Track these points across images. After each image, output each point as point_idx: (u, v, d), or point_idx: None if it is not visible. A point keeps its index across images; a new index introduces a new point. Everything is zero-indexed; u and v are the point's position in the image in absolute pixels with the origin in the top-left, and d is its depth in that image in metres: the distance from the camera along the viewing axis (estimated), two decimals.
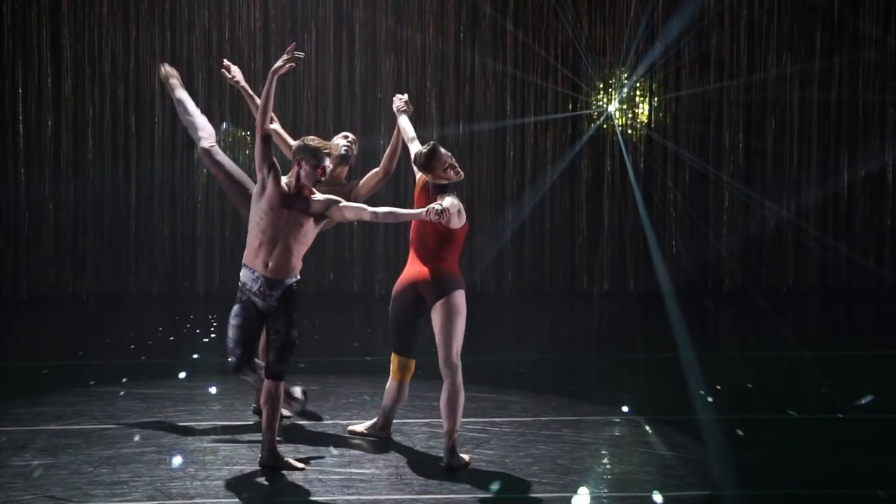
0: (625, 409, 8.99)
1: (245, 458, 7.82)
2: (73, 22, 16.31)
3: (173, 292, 16.49)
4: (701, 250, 17.17)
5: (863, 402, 10.00)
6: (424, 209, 7.58)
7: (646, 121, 17.21)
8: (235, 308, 7.63)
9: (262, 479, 7.38)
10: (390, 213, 7.81)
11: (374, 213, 7.66)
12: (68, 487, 7.15)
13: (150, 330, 13.62)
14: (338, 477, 7.44)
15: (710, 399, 8.99)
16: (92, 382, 10.24)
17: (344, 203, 7.64)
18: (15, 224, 16.35)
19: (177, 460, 7.75)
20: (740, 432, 8.55)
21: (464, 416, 8.94)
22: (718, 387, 9.21)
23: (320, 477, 7.43)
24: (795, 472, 7.66)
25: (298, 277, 7.63)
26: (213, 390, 9.86)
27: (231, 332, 7.64)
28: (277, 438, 7.64)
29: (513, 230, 17.05)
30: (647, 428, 8.73)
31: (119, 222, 16.52)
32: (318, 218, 7.58)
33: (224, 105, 16.65)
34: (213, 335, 12.99)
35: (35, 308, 15.61)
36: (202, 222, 16.70)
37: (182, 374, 10.57)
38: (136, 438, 8.32)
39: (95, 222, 16.49)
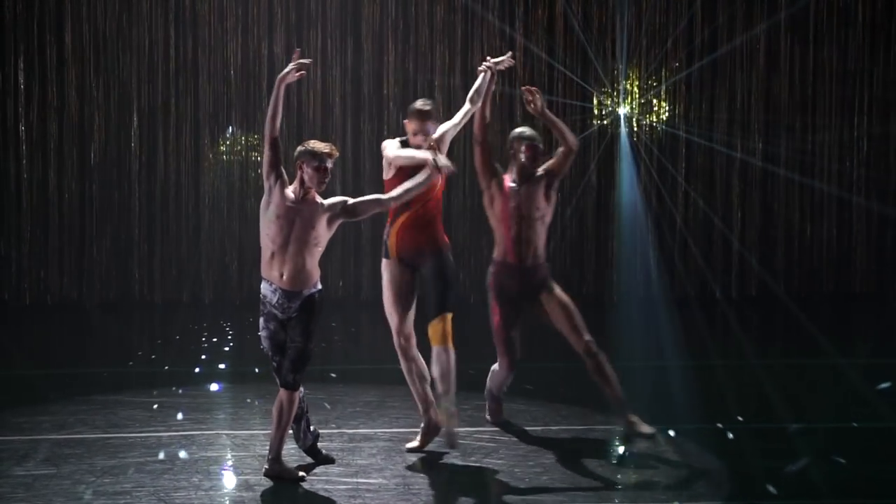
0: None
1: (250, 468, 7.73)
2: (76, 25, 16.25)
3: (178, 299, 16.42)
4: (718, 252, 17.12)
5: (882, 388, 9.96)
6: (430, 158, 7.61)
7: (656, 119, 17.15)
8: (260, 321, 7.57)
9: (267, 489, 7.28)
10: (404, 190, 7.69)
11: (390, 198, 7.60)
12: (70, 497, 7.06)
13: (154, 338, 13.54)
14: (344, 487, 7.34)
15: (729, 435, 8.85)
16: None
17: (354, 200, 7.52)
18: (18, 230, 16.28)
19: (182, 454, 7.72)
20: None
21: (472, 426, 8.87)
22: (740, 418, 9.10)
23: (326, 487, 7.34)
24: (809, 481, 7.54)
25: (319, 287, 7.49)
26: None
27: (264, 345, 7.59)
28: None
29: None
30: (660, 437, 8.62)
31: (123, 228, 16.45)
32: (331, 220, 7.46)
33: (231, 109, 16.59)
34: (231, 344, 12.96)
35: (37, 316, 15.52)
36: (207, 227, 16.62)
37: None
38: (140, 448, 8.22)
39: (100, 228, 16.42)
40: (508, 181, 8.61)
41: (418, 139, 8.10)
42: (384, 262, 8.25)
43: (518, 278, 8.56)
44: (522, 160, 8.56)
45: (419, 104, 8.20)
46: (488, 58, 8.55)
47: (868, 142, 17.33)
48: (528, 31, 16.87)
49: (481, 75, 8.46)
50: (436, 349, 7.99)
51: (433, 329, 7.98)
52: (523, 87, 8.64)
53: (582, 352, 8.50)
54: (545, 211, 8.56)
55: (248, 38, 16.58)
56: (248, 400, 9.86)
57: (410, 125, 8.15)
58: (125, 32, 16.33)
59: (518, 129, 8.74)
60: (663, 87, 17.09)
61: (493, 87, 8.50)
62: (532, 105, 8.54)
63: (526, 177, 8.58)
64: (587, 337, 8.50)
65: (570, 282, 17.08)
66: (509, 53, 8.68)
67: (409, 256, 8.14)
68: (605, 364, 8.46)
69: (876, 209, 17.23)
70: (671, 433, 8.67)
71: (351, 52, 16.76)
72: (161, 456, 7.79)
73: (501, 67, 8.49)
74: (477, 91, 8.41)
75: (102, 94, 16.34)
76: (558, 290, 8.62)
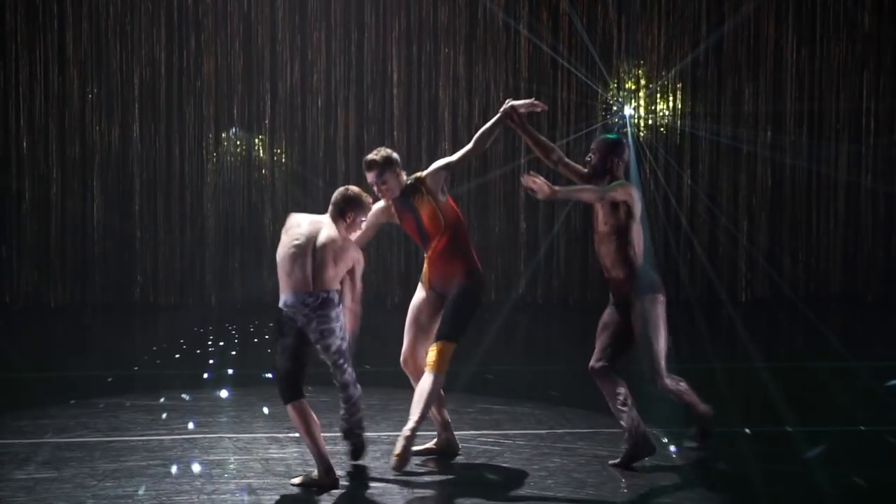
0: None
1: (253, 472, 7.66)
2: (78, 25, 16.22)
3: (182, 302, 16.39)
4: (726, 255, 17.09)
5: (891, 384, 10.07)
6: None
7: (664, 120, 17.13)
8: None
9: (270, 493, 7.22)
10: None
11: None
12: (72, 502, 7.01)
13: (158, 342, 13.50)
14: (349, 490, 7.28)
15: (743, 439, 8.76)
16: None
17: None
18: (18, 233, 16.25)
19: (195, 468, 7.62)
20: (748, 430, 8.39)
21: (477, 429, 8.82)
22: (748, 429, 8.99)
23: (331, 491, 7.27)
24: (816, 485, 7.48)
25: (279, 306, 7.49)
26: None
27: None
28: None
29: (527, 238, 16.92)
30: (665, 441, 8.57)
31: (125, 231, 16.43)
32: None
33: (233, 110, 16.56)
34: (238, 347, 12.94)
35: (38, 318, 15.48)
36: (211, 228, 16.60)
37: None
38: (142, 451, 8.16)
39: (101, 231, 16.39)
40: None
41: (377, 188, 8.02)
42: (419, 285, 8.18)
43: (609, 289, 8.20)
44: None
45: (368, 155, 8.04)
46: (509, 100, 8.20)
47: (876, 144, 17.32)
48: (532, 29, 16.83)
49: (498, 115, 8.14)
50: (425, 373, 7.85)
51: (429, 353, 7.86)
52: (524, 184, 7.89)
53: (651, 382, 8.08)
54: (612, 228, 7.99)
55: (252, 38, 16.55)
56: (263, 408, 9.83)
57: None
58: (127, 32, 16.30)
59: None
60: (669, 86, 17.05)
61: (529, 130, 8.13)
62: (540, 194, 7.85)
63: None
64: (657, 370, 7.93)
65: (572, 286, 17.05)
66: (532, 99, 8.19)
67: (440, 286, 8.03)
68: (682, 393, 8.06)
69: (883, 203, 17.20)
70: (665, 440, 8.62)
71: (354, 52, 16.72)
72: (174, 470, 7.66)
73: (522, 111, 8.11)
74: (485, 133, 8.06)
75: (105, 96, 16.31)
76: (644, 309, 7.96)
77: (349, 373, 7.63)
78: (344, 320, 7.50)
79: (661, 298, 8.02)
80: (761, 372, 11.40)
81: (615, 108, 16.99)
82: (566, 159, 8.17)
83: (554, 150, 8.15)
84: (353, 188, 7.66)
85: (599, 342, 8.07)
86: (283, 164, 16.67)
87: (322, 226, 7.52)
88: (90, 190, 16.36)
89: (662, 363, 7.96)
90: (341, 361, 7.55)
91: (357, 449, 7.90)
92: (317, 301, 7.38)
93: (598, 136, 8.30)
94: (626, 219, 7.98)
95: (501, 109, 8.14)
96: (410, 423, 7.60)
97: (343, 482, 7.44)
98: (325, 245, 7.43)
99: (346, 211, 7.55)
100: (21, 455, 8.02)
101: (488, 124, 8.11)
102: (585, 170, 8.18)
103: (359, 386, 7.73)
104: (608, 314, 8.17)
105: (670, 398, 8.17)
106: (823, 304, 16.67)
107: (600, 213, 8.07)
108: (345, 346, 7.53)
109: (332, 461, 7.47)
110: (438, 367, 7.75)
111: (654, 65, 17.02)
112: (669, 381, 8.04)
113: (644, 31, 16.92)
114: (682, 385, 8.14)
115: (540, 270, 17.01)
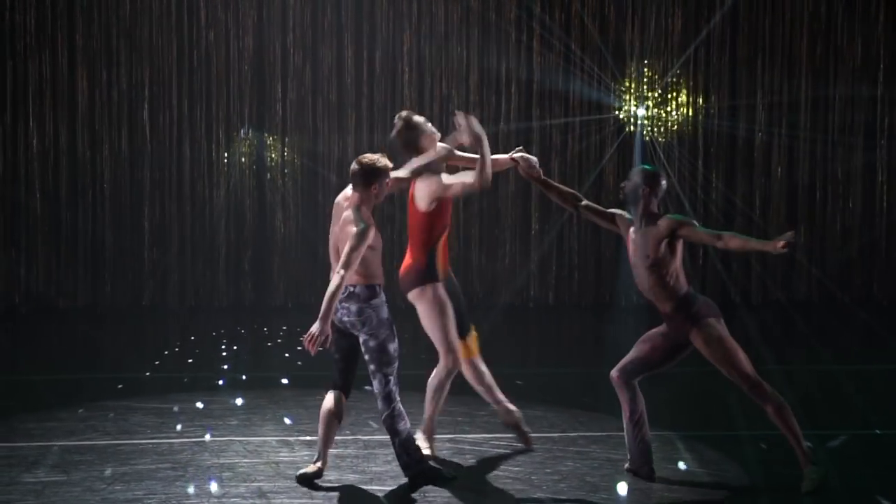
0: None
1: (263, 475, 7.63)
2: (87, 26, 16.20)
3: (194, 305, 16.37)
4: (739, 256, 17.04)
5: None
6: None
7: (676, 121, 17.06)
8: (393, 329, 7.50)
9: (279, 497, 7.18)
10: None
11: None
12: None
13: (168, 344, 13.49)
14: (359, 494, 7.24)
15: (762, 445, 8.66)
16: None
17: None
18: (26, 237, 16.22)
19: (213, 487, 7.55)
20: (763, 446, 8.32)
21: (489, 433, 8.77)
22: (763, 445, 8.86)
23: (341, 494, 7.24)
24: (829, 490, 7.41)
25: None
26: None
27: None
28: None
29: (538, 241, 16.87)
30: (679, 444, 8.52)
31: (134, 234, 16.39)
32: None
33: (243, 110, 16.53)
34: (249, 351, 12.92)
35: (48, 321, 15.46)
36: (222, 231, 16.57)
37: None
38: (151, 454, 8.12)
39: (111, 233, 16.36)
40: (632, 227, 7.72)
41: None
42: (432, 286, 7.95)
43: (663, 321, 7.73)
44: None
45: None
46: (522, 150, 8.16)
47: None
48: (544, 26, 16.77)
49: (508, 157, 8.13)
50: (475, 363, 8.17)
51: (475, 341, 8.19)
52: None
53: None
54: (655, 261, 7.50)
55: (263, 36, 16.51)
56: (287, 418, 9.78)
57: None
58: (136, 33, 16.26)
59: None
60: (679, 83, 17.00)
61: (542, 179, 8.05)
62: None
63: (644, 222, 7.62)
64: (754, 382, 7.38)
65: (586, 287, 16.99)
66: (537, 165, 8.12)
67: (444, 275, 8.06)
68: (778, 411, 7.37)
69: None
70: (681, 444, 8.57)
71: (366, 53, 16.67)
72: (191, 490, 7.54)
73: (523, 164, 8.06)
74: (496, 161, 8.10)
75: (115, 98, 16.27)
76: (707, 335, 7.45)
77: (378, 381, 7.37)
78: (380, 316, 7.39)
79: (718, 317, 7.55)
80: (775, 375, 11.35)
81: (626, 107, 16.93)
82: (586, 201, 7.92)
83: (573, 194, 7.97)
84: (366, 157, 7.41)
85: (630, 354, 7.73)
86: (295, 164, 16.64)
87: (342, 212, 7.48)
88: (100, 191, 16.32)
89: (755, 373, 7.43)
90: (372, 367, 7.38)
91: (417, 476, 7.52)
92: (342, 294, 7.36)
93: (634, 168, 7.92)
94: (668, 253, 7.54)
95: (511, 156, 8.12)
96: (505, 405, 8.20)
97: (353, 485, 7.40)
98: (340, 238, 7.42)
99: (371, 183, 7.35)
100: (30, 458, 8.00)
101: (500, 156, 8.17)
102: (609, 210, 7.86)
103: (396, 407, 7.35)
104: (657, 331, 7.72)
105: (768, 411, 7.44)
106: (839, 306, 16.59)
107: (633, 247, 7.64)
108: (374, 345, 7.34)
109: (343, 463, 7.45)
110: (478, 352, 8.24)
111: (665, 62, 16.94)
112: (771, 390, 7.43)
113: (654, 28, 16.86)
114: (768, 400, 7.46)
115: (551, 271, 16.94)
